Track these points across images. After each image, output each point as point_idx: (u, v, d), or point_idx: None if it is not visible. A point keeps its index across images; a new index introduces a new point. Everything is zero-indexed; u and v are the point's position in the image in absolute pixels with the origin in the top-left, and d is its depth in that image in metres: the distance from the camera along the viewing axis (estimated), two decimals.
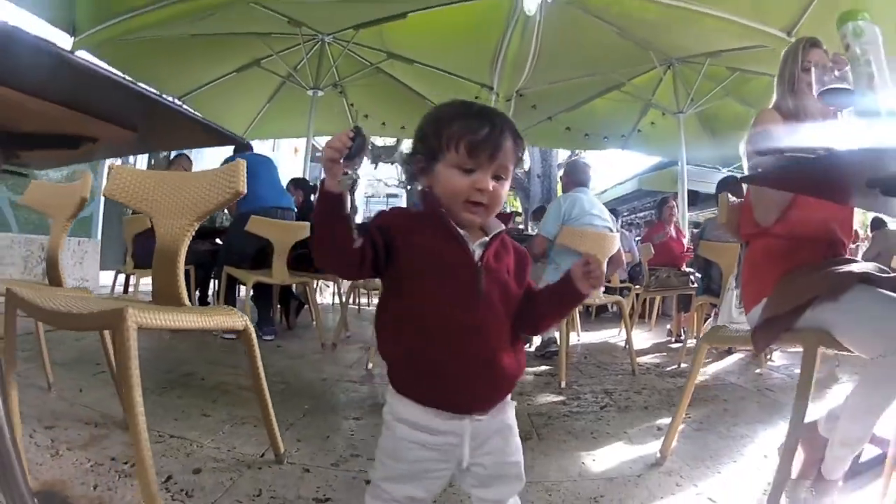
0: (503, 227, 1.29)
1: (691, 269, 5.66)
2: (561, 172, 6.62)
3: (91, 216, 6.63)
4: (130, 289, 5.10)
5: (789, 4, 4.96)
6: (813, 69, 1.62)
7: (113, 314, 1.34)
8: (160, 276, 1.80)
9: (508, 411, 1.29)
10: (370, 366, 3.62)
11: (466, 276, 1.21)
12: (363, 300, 7.29)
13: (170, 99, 1.26)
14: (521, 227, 8.00)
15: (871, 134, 1.25)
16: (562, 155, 15.24)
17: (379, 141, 15.90)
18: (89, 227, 6.64)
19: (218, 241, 4.81)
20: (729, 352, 4.59)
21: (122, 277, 5.23)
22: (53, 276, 2.22)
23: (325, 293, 5.95)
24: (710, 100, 7.19)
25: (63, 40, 5.25)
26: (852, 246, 2.98)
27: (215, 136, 1.47)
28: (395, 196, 25.29)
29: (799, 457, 1.78)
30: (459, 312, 1.20)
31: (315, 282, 5.01)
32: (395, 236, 1.21)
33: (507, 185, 1.26)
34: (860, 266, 1.76)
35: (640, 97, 7.57)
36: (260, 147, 10.82)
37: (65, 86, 1.00)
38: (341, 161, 1.10)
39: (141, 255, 4.64)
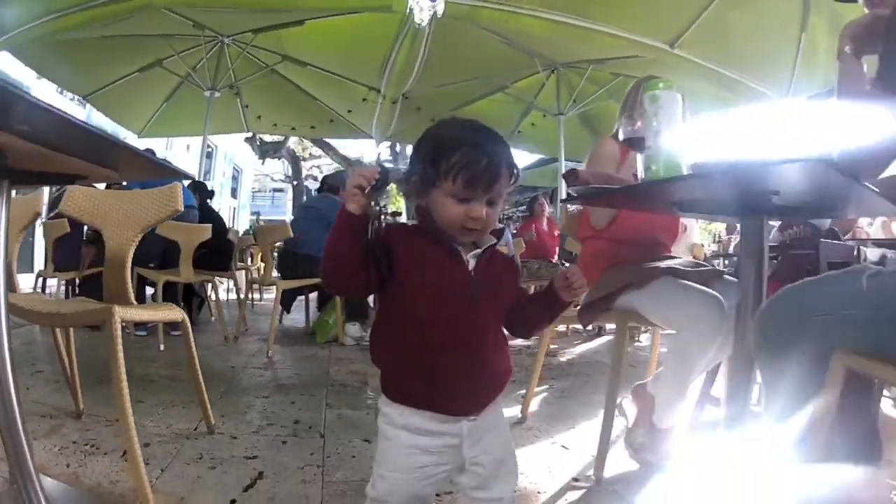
0: (495, 240, 1.36)
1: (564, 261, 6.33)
2: None
3: None
4: (48, 290, 5.35)
5: (672, 21, 5.37)
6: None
7: (103, 311, 1.73)
8: (111, 280, 2.16)
9: (499, 408, 1.40)
10: (270, 353, 4.18)
11: (461, 284, 1.30)
12: (256, 296, 7.64)
13: (142, 148, 1.59)
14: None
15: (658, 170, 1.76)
16: None
17: (267, 137, 16.03)
18: None
19: None
20: (599, 333, 5.28)
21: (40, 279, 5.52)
22: (10, 283, 2.53)
23: (220, 290, 6.29)
24: (591, 102, 7.60)
25: None
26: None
27: (168, 171, 1.85)
28: (281, 191, 25.33)
29: (634, 410, 2.36)
30: (455, 318, 1.29)
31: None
32: (394, 249, 1.29)
33: (499, 207, 1.33)
34: (670, 262, 2.30)
35: (522, 99, 7.93)
36: (154, 144, 10.95)
37: (68, 140, 1.39)
38: (364, 192, 1.19)
39: (60, 259, 4.91)
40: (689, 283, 2.18)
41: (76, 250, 4.93)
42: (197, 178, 6.02)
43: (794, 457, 1.43)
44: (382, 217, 1.26)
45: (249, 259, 7.52)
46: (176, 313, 2.17)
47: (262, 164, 22.74)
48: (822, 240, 2.77)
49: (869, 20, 1.68)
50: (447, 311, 1.29)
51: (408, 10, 4.84)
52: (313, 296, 5.82)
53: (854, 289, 1.37)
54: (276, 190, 26.31)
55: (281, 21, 6.17)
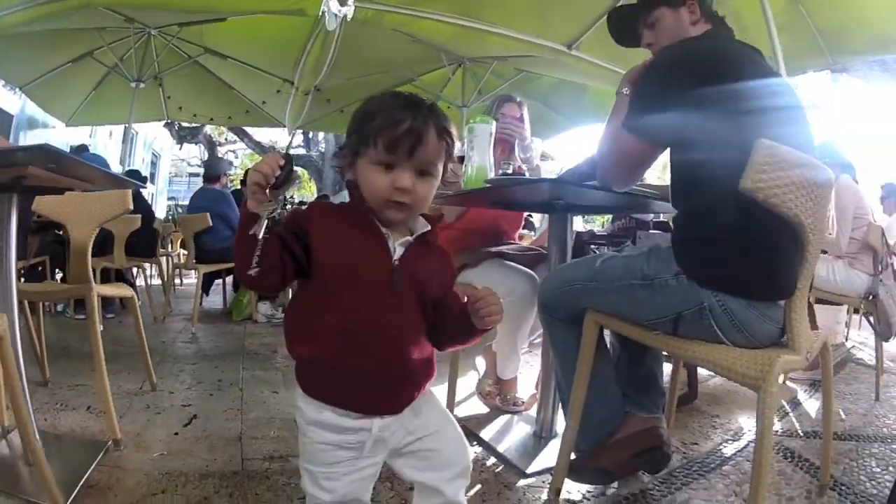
0: (429, 227, 1.33)
1: None
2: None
3: None
4: None
5: (569, 25, 5.70)
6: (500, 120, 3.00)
7: (84, 288, 2.40)
8: (76, 265, 2.79)
9: (426, 399, 1.37)
10: (194, 330, 4.95)
11: (382, 274, 1.25)
12: (177, 281, 8.24)
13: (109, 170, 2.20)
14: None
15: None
16: None
17: (186, 122, 16.45)
18: None
19: (58, 232, 5.43)
20: None
21: None
22: None
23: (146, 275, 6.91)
24: (496, 94, 7.69)
25: None
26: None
27: (124, 182, 2.51)
28: (197, 175, 25.54)
29: (483, 364, 3.11)
30: (371, 311, 1.24)
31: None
32: (310, 234, 1.25)
33: (434, 182, 1.28)
34: (502, 247, 2.99)
35: (429, 91, 8.09)
36: (80, 131, 11.39)
37: (72, 171, 2.04)
38: (267, 188, 1.15)
39: None
40: (511, 263, 2.82)
41: (23, 241, 5.36)
42: (130, 168, 6.47)
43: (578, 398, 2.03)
44: (280, 213, 1.22)
45: (170, 245, 8.01)
46: (128, 291, 2.85)
47: (180, 149, 23.08)
48: (638, 231, 3.46)
49: (643, 67, 2.01)
50: (364, 300, 1.25)
51: (320, 14, 5.03)
52: (229, 279, 6.59)
53: (595, 267, 1.99)
54: (192, 174, 26.42)
55: (206, 17, 6.48)
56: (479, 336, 1.32)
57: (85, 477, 1.99)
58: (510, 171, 2.84)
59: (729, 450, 2.58)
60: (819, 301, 4.23)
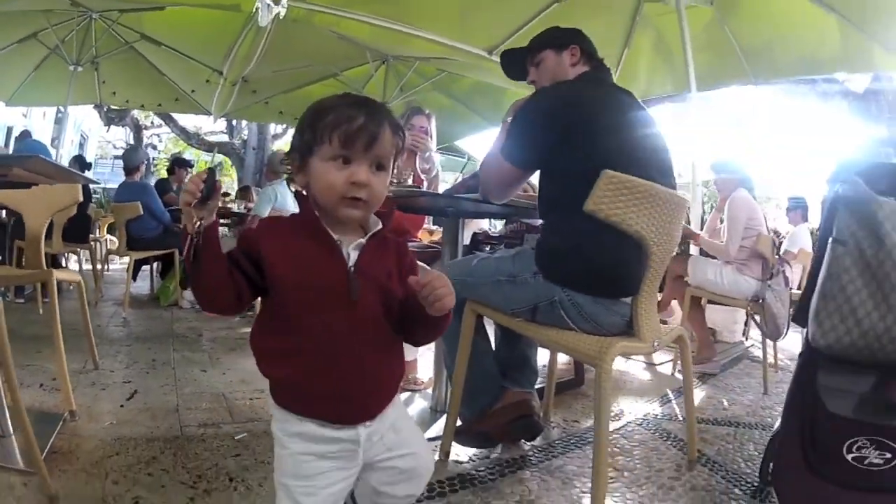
0: (380, 225, 1.34)
1: None
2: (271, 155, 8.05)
3: None
4: None
5: (491, 32, 6.22)
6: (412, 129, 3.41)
7: (43, 273, 2.75)
8: (31, 251, 3.09)
9: (398, 408, 1.41)
10: (125, 315, 5.33)
11: (338, 283, 1.25)
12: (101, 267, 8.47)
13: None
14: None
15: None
16: (275, 129, 17.75)
17: (117, 106, 16.57)
18: None
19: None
20: None
21: None
22: None
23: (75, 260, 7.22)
24: (418, 93, 8.29)
25: None
26: None
27: (81, 179, 2.85)
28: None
29: None
30: (333, 322, 1.25)
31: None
32: (261, 253, 1.26)
33: (387, 177, 1.30)
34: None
35: (352, 87, 8.28)
36: (16, 111, 11.36)
37: (46, 171, 2.40)
38: (195, 205, 1.17)
39: None
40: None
41: None
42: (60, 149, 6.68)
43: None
44: (199, 231, 1.19)
45: (97, 231, 8.23)
46: (76, 276, 3.19)
47: (107, 131, 22.98)
48: (526, 233, 3.84)
49: (524, 102, 2.41)
50: (324, 312, 1.25)
51: (254, 10, 5.32)
52: (156, 265, 7.04)
53: (472, 265, 2.45)
54: (116, 157, 26.27)
55: (147, 4, 6.73)
56: (443, 322, 1.29)
57: (49, 443, 2.31)
58: (410, 182, 3.23)
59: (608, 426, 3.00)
60: (712, 302, 4.76)
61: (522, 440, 2.64)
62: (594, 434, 1.92)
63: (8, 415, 2.35)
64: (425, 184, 3.72)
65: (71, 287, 6.46)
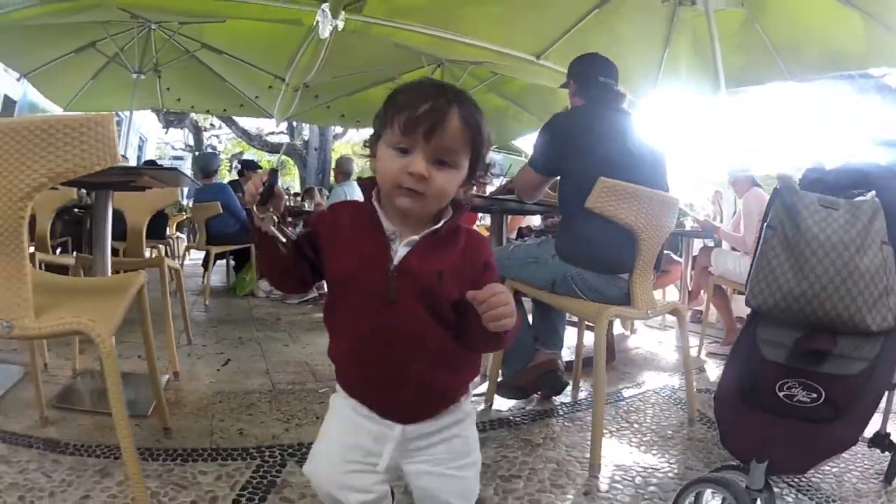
0: (440, 223, 1.27)
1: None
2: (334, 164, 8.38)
3: None
4: None
5: (538, 38, 6.45)
6: None
7: (156, 260, 3.50)
8: (133, 244, 3.85)
9: (458, 421, 1.34)
10: (207, 303, 6.14)
11: (378, 280, 1.22)
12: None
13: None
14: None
15: None
16: (336, 130, 18.12)
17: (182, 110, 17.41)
18: None
19: (79, 211, 6.17)
20: None
21: None
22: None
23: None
24: (473, 94, 8.58)
25: None
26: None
27: (188, 183, 3.57)
28: (181, 158, 26.29)
29: None
30: (370, 320, 1.25)
31: None
32: (320, 238, 1.30)
33: (454, 174, 1.23)
34: None
35: None
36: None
37: (162, 177, 3.08)
38: (256, 204, 1.22)
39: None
40: None
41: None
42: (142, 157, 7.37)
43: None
44: (277, 222, 1.25)
45: (168, 229, 8.90)
46: (175, 264, 3.95)
47: (166, 133, 24.10)
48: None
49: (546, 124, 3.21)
50: (361, 307, 1.25)
51: (314, 24, 5.65)
52: (232, 260, 7.83)
53: (509, 251, 3.23)
54: (175, 158, 27.19)
55: (207, 18, 7.10)
56: (504, 339, 1.21)
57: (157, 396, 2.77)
58: None
59: (628, 392, 3.64)
60: (740, 292, 5.30)
61: (550, 393, 3.32)
62: (594, 370, 2.57)
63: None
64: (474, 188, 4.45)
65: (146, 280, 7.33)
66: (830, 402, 1.81)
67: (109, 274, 3.10)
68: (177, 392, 3.19)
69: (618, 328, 5.48)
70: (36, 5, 5.65)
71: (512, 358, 3.21)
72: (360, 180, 1.38)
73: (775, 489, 2.15)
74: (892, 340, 1.85)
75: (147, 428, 2.67)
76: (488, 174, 1.39)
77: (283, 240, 1.27)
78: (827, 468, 2.52)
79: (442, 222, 1.28)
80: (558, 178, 3.10)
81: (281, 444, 2.56)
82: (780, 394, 1.88)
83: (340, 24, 5.65)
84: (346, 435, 1.34)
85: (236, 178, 9.48)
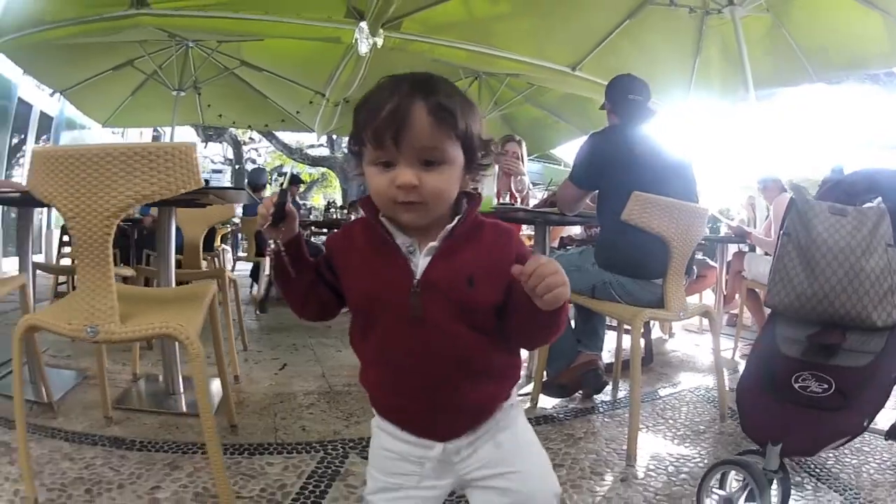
0: (454, 222, 1.19)
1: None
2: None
3: None
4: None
5: (572, 50, 6.86)
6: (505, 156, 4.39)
7: (217, 271, 3.84)
8: (190, 257, 4.17)
9: (502, 428, 1.28)
10: (257, 311, 6.48)
11: (400, 298, 1.16)
12: None
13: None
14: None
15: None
16: None
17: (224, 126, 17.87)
18: None
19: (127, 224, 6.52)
20: None
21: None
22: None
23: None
24: (510, 105, 9.03)
25: None
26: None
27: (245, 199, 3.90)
28: (220, 171, 26.83)
29: None
30: (398, 339, 1.19)
31: None
32: (336, 262, 1.26)
33: (446, 170, 1.14)
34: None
35: None
36: (113, 131, 12.78)
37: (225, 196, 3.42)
38: (266, 227, 1.21)
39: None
40: None
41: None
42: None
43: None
44: (277, 249, 1.22)
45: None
46: (233, 276, 4.28)
47: (205, 147, 24.68)
48: None
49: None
50: (388, 329, 1.20)
51: (353, 41, 5.99)
52: None
53: (557, 256, 3.52)
54: (214, 171, 27.73)
55: (245, 37, 7.47)
56: (559, 319, 1.15)
57: (225, 395, 3.04)
58: (507, 199, 4.25)
59: (664, 392, 3.90)
60: None
61: (591, 391, 3.59)
62: (631, 369, 2.82)
63: (180, 377, 3.35)
64: (519, 200, 4.79)
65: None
66: (839, 392, 1.99)
67: (173, 284, 3.38)
68: (238, 394, 3.48)
69: (657, 332, 5.74)
70: (70, 24, 5.90)
71: (556, 358, 3.48)
72: (359, 199, 1.30)
73: (797, 478, 2.45)
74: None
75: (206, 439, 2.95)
76: (490, 151, 1.26)
77: (292, 263, 1.25)
78: (846, 460, 2.71)
79: (457, 219, 1.19)
80: (597, 191, 3.42)
81: (342, 439, 2.83)
82: (796, 385, 2.06)
83: (379, 42, 5.91)
84: (392, 466, 1.28)
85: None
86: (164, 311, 2.37)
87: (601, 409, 3.48)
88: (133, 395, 3.41)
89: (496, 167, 4.16)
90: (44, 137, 11.83)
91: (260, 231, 1.31)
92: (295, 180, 10.00)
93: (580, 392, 3.60)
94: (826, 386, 2.02)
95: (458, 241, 1.19)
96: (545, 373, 3.51)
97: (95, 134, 13.46)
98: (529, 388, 3.58)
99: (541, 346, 1.42)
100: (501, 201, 4.47)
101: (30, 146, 11.07)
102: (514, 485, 1.25)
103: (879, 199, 2.16)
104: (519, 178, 5.42)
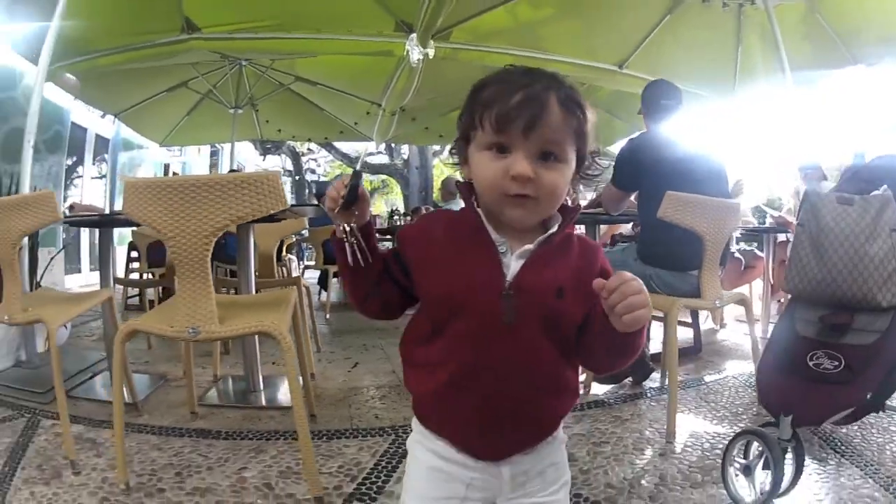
0: (555, 227, 1.16)
1: None
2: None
3: (55, 230, 8.36)
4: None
5: (617, 49, 7.03)
6: None
7: (293, 279, 4.30)
8: (264, 267, 4.57)
9: (554, 449, 1.27)
10: (328, 316, 7.12)
11: (491, 302, 1.10)
12: None
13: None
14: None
15: None
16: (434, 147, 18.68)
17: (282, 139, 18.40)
18: (54, 239, 8.38)
19: None
20: None
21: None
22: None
23: None
24: None
25: (30, 71, 6.59)
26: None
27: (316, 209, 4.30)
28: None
29: None
30: (482, 347, 1.12)
31: None
32: (411, 256, 1.19)
33: (563, 168, 1.11)
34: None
35: None
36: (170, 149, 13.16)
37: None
38: (338, 210, 1.13)
39: (153, 258, 7.10)
40: None
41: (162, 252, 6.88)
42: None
43: None
44: (353, 234, 1.15)
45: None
46: (306, 282, 4.66)
47: (263, 160, 25.35)
48: None
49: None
50: (469, 334, 1.12)
51: (405, 54, 6.18)
52: None
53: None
54: None
55: (298, 56, 7.78)
56: (636, 344, 1.11)
57: (306, 388, 3.33)
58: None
59: (709, 378, 4.18)
60: None
61: (639, 379, 3.96)
62: (667, 354, 3.25)
63: (260, 376, 3.78)
64: (569, 202, 5.15)
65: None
66: (848, 368, 2.19)
67: (254, 292, 3.78)
68: (315, 389, 3.82)
69: (709, 324, 6.03)
70: (121, 52, 6.20)
71: None
72: (458, 184, 1.27)
73: (822, 455, 2.74)
74: None
75: (291, 417, 3.28)
76: (596, 165, 1.24)
77: (365, 252, 1.18)
78: (872, 438, 2.95)
79: (556, 226, 1.16)
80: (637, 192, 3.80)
81: None
82: (811, 363, 2.27)
83: (430, 53, 6.14)
84: (435, 488, 1.24)
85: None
86: (256, 313, 2.76)
87: (648, 395, 3.79)
88: (215, 393, 3.83)
89: None
90: (100, 158, 12.48)
91: (328, 240, 1.28)
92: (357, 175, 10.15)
93: (629, 379, 3.93)
94: (837, 363, 2.23)
95: (551, 251, 1.15)
96: None
97: (153, 153, 14.15)
98: (583, 376, 3.88)
99: (609, 371, 1.26)
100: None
101: (87, 167, 11.68)
102: None
103: (885, 186, 2.35)
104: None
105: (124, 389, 3.42)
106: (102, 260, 4.24)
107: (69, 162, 10.97)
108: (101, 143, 12.56)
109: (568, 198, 1.21)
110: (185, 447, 2.95)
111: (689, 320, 5.15)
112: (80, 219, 4.52)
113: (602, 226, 6.93)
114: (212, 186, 2.42)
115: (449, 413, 1.21)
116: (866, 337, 2.23)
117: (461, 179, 1.25)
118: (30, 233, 3.18)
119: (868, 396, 2.19)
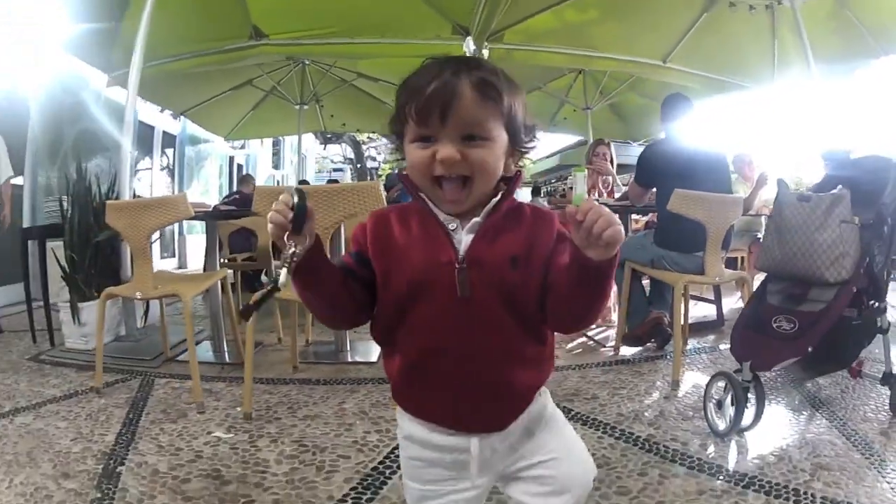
0: (497, 197, 1.21)
1: None
2: None
3: None
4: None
5: (660, 44, 7.51)
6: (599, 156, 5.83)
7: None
8: (261, 260, 5.59)
9: (535, 416, 1.30)
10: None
11: (444, 276, 1.16)
12: None
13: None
14: None
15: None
16: None
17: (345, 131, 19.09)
18: None
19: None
20: None
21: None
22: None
23: None
24: (615, 95, 9.72)
25: (98, 77, 7.32)
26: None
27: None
28: (340, 170, 27.49)
29: None
30: (440, 321, 1.18)
31: None
32: (371, 250, 1.22)
33: (492, 146, 1.15)
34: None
35: (556, 96, 10.20)
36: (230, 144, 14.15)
37: None
38: (288, 235, 1.09)
39: (235, 245, 7.70)
40: None
41: (244, 240, 7.64)
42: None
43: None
44: (292, 260, 1.10)
45: None
46: None
47: (324, 149, 26.23)
48: None
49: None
50: (429, 311, 1.19)
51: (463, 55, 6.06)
52: None
53: (626, 240, 4.51)
54: (335, 170, 28.65)
55: (359, 59, 8.54)
56: (606, 279, 1.11)
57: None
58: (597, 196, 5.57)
59: (723, 346, 4.83)
60: None
61: (660, 342, 4.77)
62: (673, 320, 4.10)
63: (348, 339, 4.71)
64: (605, 195, 6.24)
65: None
66: (800, 328, 2.83)
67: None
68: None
69: (735, 303, 6.57)
70: (189, 58, 6.83)
71: (633, 316, 4.76)
72: (399, 174, 1.32)
73: (800, 408, 3.38)
74: (844, 289, 2.84)
75: (377, 368, 4.25)
76: (535, 136, 1.28)
77: (317, 270, 1.18)
78: (849, 400, 3.47)
79: (500, 193, 1.22)
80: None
81: None
82: (774, 325, 2.92)
83: (486, 54, 6.69)
84: (425, 482, 1.31)
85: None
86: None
87: (668, 357, 4.55)
88: (311, 353, 4.73)
89: (586, 175, 5.52)
90: (168, 151, 13.27)
91: (276, 247, 1.25)
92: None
93: (653, 342, 4.79)
94: (792, 325, 2.88)
95: (501, 222, 1.21)
96: (627, 327, 4.76)
97: (218, 146, 15.08)
98: (612, 341, 4.87)
99: (582, 322, 1.25)
100: (595, 198, 5.65)
101: (155, 161, 12.45)
102: (552, 471, 1.29)
103: (839, 186, 2.92)
104: (605, 177, 6.69)
105: (224, 350, 4.57)
106: (209, 247, 5.08)
107: (139, 157, 11.61)
108: (169, 139, 13.36)
109: (511, 170, 1.27)
110: (292, 391, 3.76)
111: (713, 297, 5.87)
112: (204, 214, 4.93)
113: (639, 216, 7.81)
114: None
115: (423, 392, 1.26)
116: (817, 305, 2.89)
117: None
118: (164, 227, 4.01)
119: (809, 349, 2.81)
